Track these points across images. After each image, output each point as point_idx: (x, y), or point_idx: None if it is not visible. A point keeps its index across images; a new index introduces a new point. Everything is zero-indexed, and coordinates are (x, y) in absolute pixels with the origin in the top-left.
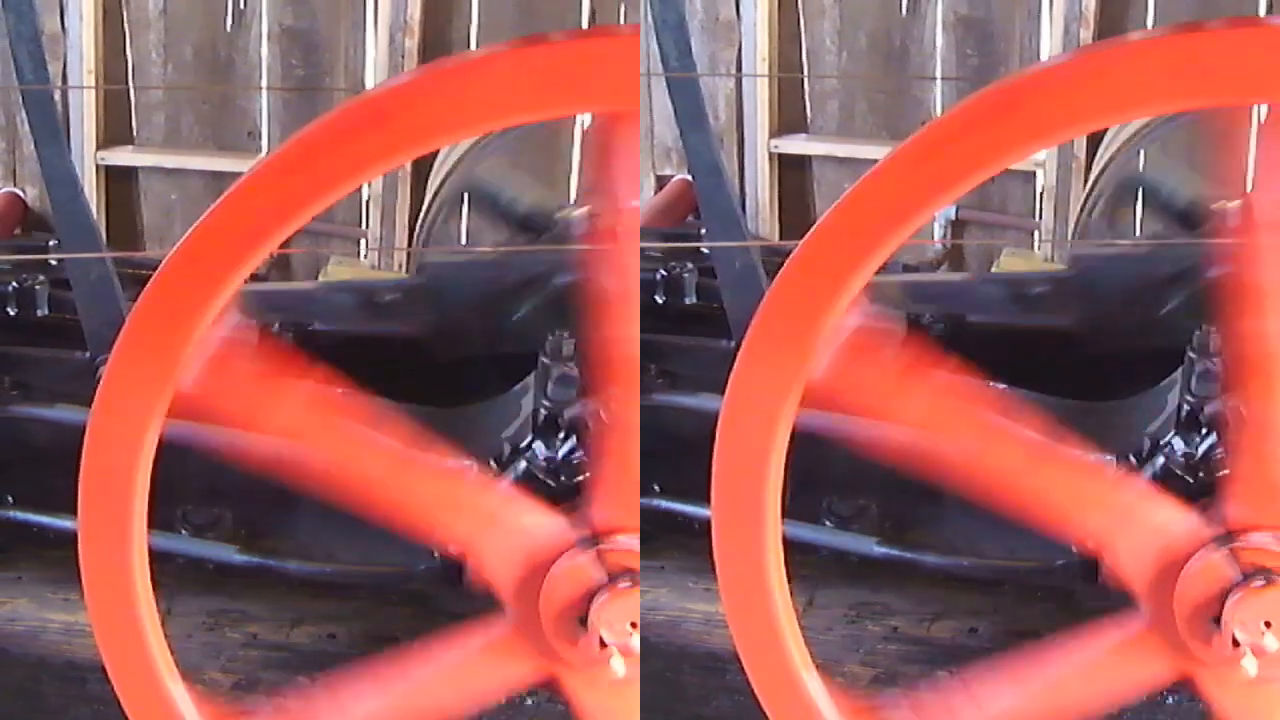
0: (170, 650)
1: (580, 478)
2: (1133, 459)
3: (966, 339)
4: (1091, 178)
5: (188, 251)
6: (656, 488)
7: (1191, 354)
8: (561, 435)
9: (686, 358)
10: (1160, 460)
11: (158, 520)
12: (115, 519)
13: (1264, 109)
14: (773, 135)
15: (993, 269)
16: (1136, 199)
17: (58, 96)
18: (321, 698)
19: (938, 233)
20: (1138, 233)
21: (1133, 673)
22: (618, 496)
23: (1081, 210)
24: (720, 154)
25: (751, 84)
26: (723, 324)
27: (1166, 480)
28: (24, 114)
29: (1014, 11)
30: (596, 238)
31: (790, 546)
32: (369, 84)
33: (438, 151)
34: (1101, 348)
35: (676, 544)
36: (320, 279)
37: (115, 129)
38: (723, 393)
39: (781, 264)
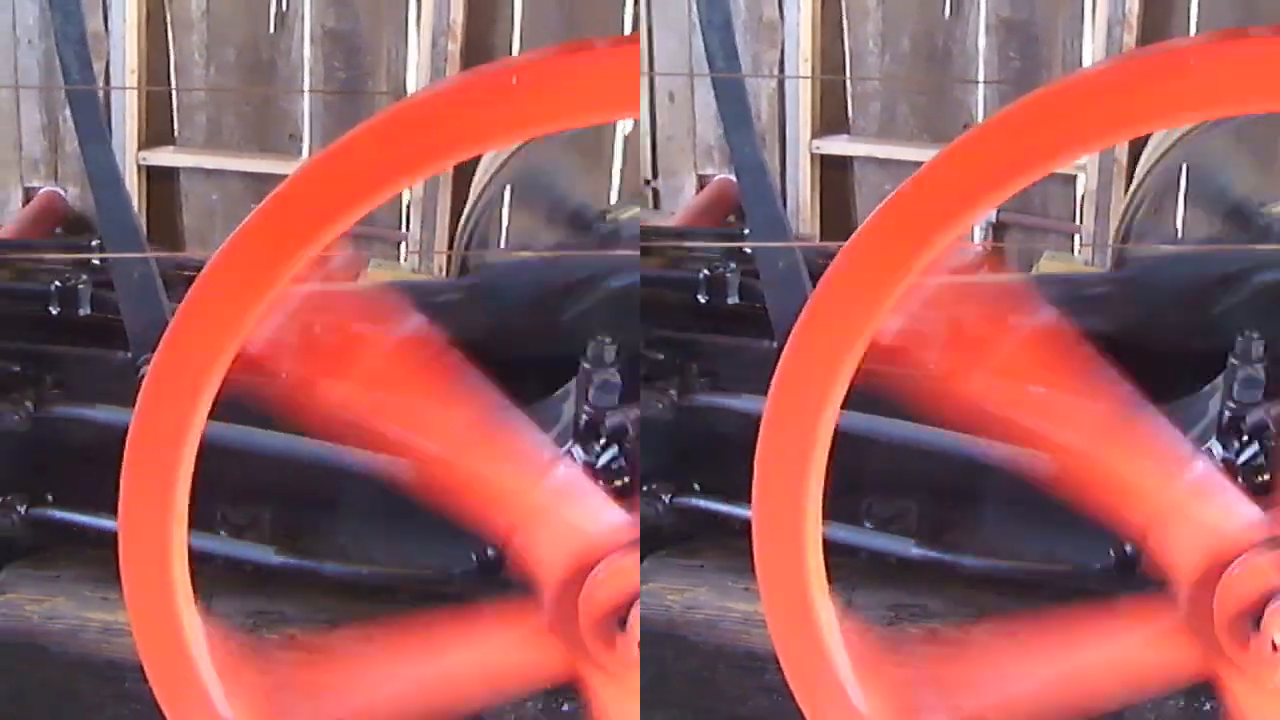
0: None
1: None
2: None
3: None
4: (1137, 178)
5: (233, 253)
6: (697, 487)
7: (1234, 360)
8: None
9: (729, 358)
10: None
11: (196, 520)
12: (156, 519)
13: None
14: (814, 136)
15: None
16: (1181, 200)
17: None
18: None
19: (978, 235)
20: (1180, 234)
21: (1160, 666)
22: None
23: (1125, 212)
24: (764, 154)
25: (794, 85)
26: (765, 324)
27: None
28: (66, 113)
29: (1057, 14)
30: None
31: (829, 548)
32: (411, 87)
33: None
34: (1147, 350)
35: (716, 543)
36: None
37: (157, 129)
38: (764, 393)
39: (823, 266)
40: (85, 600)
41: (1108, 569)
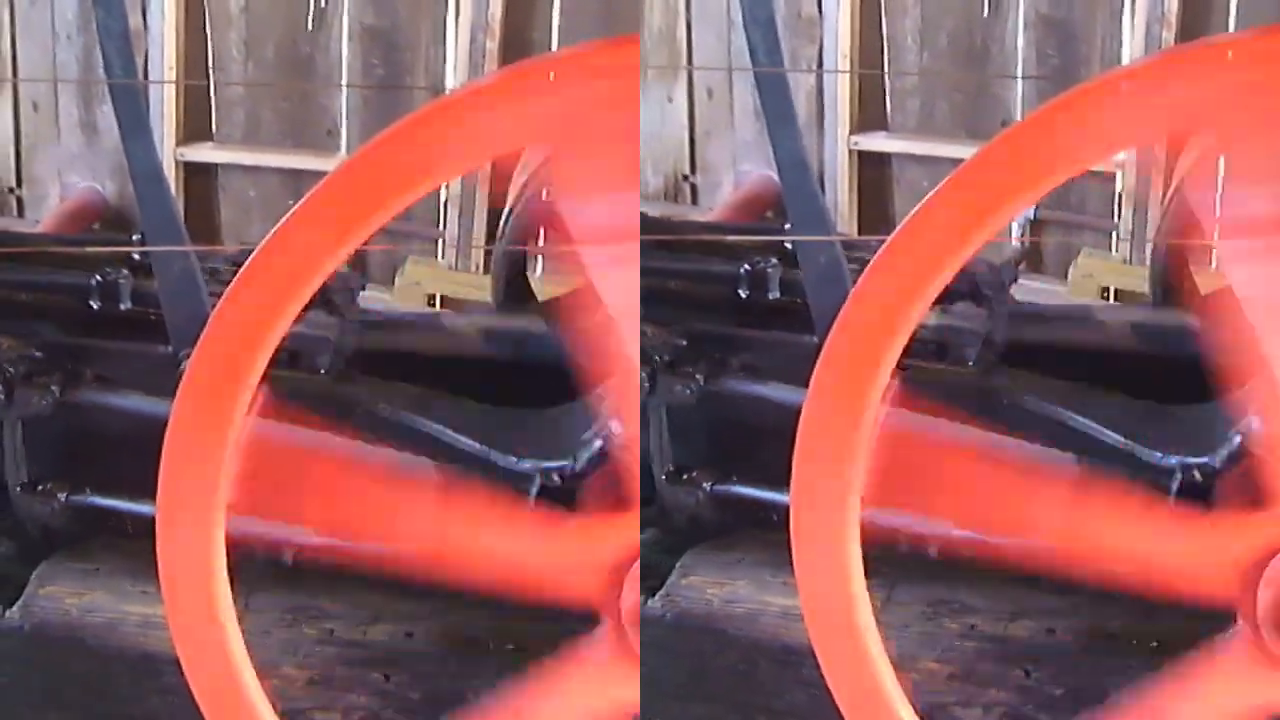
0: (246, 645)
1: None
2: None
3: (1037, 341)
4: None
5: (273, 248)
6: (735, 479)
7: None
8: None
9: (770, 352)
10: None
11: None
12: (195, 514)
13: None
14: (853, 132)
15: (1070, 270)
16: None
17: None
18: None
19: (1016, 231)
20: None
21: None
22: None
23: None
24: (806, 150)
25: (832, 80)
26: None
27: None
28: (105, 109)
29: (1095, 12)
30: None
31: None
32: (449, 84)
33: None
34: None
35: (755, 537)
36: (397, 280)
37: (195, 125)
38: (805, 387)
39: (863, 262)
40: (124, 594)
41: None
